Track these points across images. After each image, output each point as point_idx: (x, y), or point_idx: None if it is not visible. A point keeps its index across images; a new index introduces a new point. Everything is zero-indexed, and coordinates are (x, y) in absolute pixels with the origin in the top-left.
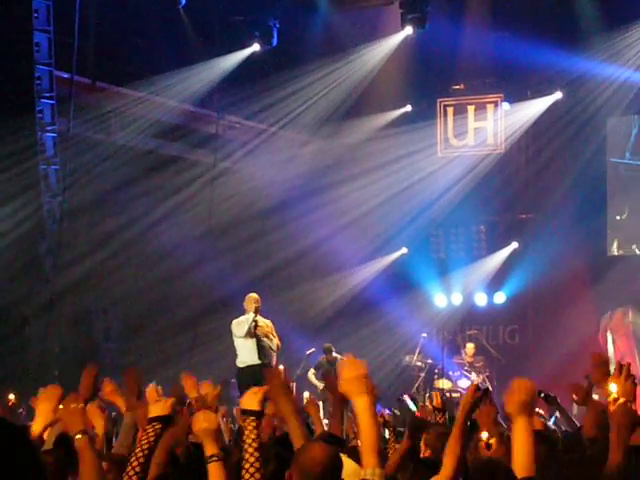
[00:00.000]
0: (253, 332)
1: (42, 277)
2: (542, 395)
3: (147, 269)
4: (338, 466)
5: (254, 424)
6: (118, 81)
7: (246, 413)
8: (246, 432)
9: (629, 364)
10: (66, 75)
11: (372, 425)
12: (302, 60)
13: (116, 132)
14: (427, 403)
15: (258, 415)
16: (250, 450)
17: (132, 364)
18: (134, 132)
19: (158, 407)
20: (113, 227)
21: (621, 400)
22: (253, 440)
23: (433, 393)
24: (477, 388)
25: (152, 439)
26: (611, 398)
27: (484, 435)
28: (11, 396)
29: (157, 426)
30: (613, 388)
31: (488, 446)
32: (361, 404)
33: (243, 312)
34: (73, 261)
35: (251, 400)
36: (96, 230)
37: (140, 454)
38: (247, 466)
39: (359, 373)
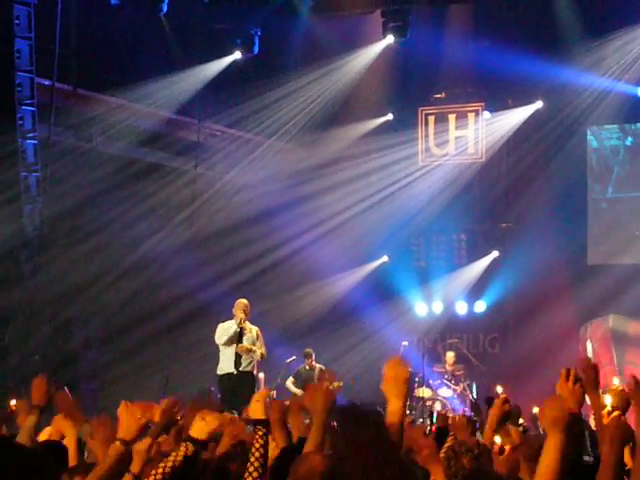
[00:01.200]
0: (234, 341)
1: (22, 284)
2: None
3: (128, 277)
4: (337, 477)
5: (261, 433)
6: (99, 88)
7: (255, 423)
8: (254, 440)
9: (576, 370)
10: (47, 82)
11: (398, 429)
12: (284, 68)
13: (97, 139)
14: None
15: (265, 424)
16: (252, 459)
17: (112, 374)
18: (115, 139)
19: (203, 428)
20: (94, 234)
21: (615, 413)
22: (258, 448)
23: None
24: (506, 400)
25: (180, 460)
26: (605, 411)
27: (497, 439)
28: (12, 402)
29: (191, 448)
30: (607, 400)
31: (501, 451)
32: (394, 406)
33: (227, 318)
34: (53, 268)
35: (256, 409)
36: (77, 237)
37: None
38: (248, 474)
39: (399, 377)
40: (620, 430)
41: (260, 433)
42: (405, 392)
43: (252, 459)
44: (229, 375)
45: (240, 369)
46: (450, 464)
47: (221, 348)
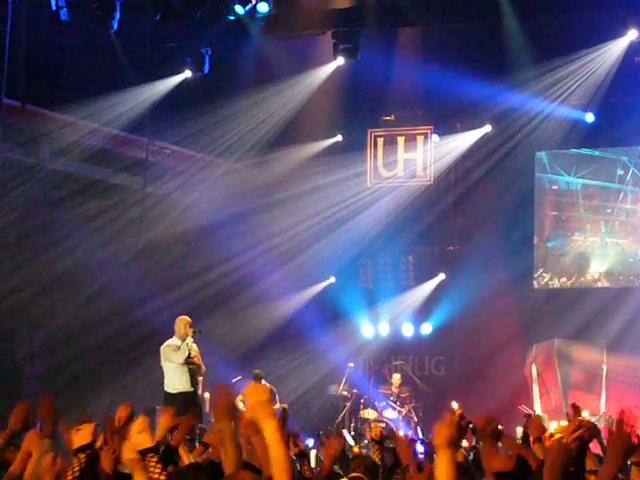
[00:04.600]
0: (189, 359)
1: None
2: (470, 426)
3: (74, 293)
4: None
5: (155, 459)
6: (49, 104)
7: (143, 453)
8: (150, 469)
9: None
10: None
11: (283, 448)
12: (234, 88)
13: (46, 156)
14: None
15: (155, 450)
16: None
17: (57, 389)
18: (64, 156)
19: (81, 435)
20: (41, 251)
21: (557, 436)
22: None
23: (374, 424)
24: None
25: (77, 473)
26: (547, 434)
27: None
28: None
29: (82, 457)
30: (552, 425)
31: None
32: (270, 428)
33: (171, 335)
34: None
35: (144, 439)
36: (23, 253)
37: None
38: None
39: (263, 398)
40: (561, 454)
41: (152, 463)
42: (273, 411)
43: None
44: (184, 394)
45: (195, 387)
46: None
47: (173, 367)
